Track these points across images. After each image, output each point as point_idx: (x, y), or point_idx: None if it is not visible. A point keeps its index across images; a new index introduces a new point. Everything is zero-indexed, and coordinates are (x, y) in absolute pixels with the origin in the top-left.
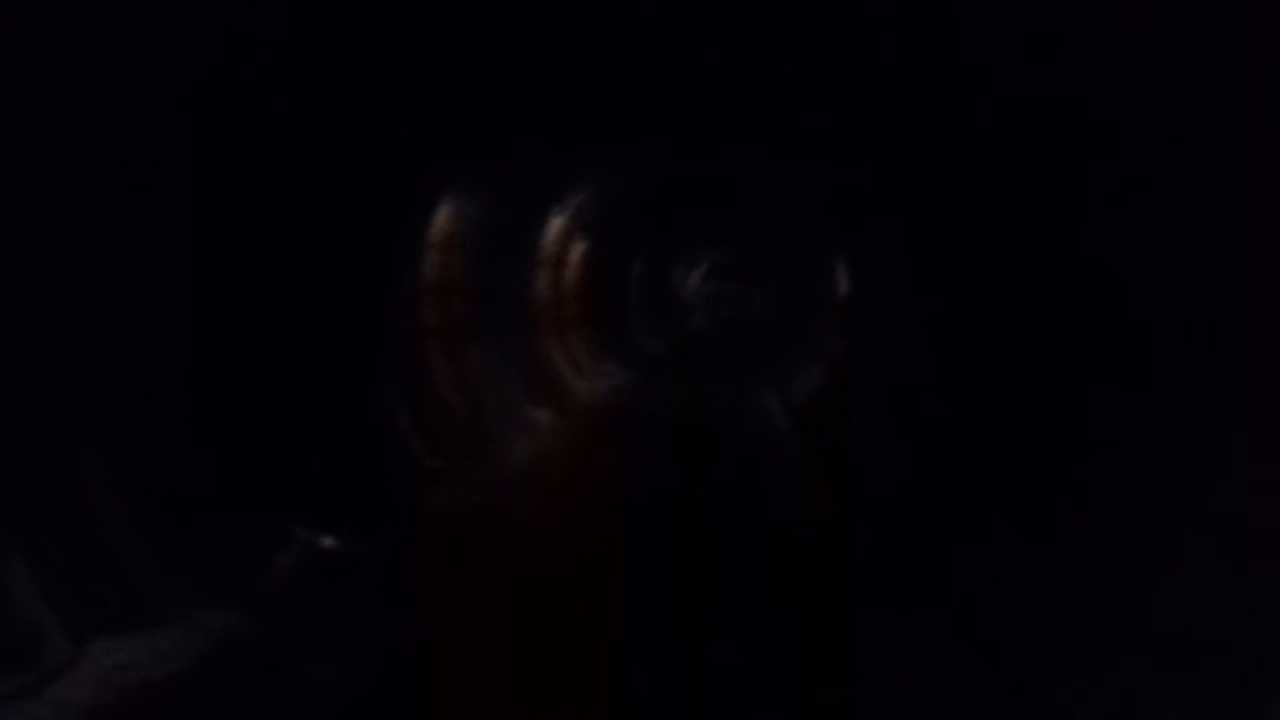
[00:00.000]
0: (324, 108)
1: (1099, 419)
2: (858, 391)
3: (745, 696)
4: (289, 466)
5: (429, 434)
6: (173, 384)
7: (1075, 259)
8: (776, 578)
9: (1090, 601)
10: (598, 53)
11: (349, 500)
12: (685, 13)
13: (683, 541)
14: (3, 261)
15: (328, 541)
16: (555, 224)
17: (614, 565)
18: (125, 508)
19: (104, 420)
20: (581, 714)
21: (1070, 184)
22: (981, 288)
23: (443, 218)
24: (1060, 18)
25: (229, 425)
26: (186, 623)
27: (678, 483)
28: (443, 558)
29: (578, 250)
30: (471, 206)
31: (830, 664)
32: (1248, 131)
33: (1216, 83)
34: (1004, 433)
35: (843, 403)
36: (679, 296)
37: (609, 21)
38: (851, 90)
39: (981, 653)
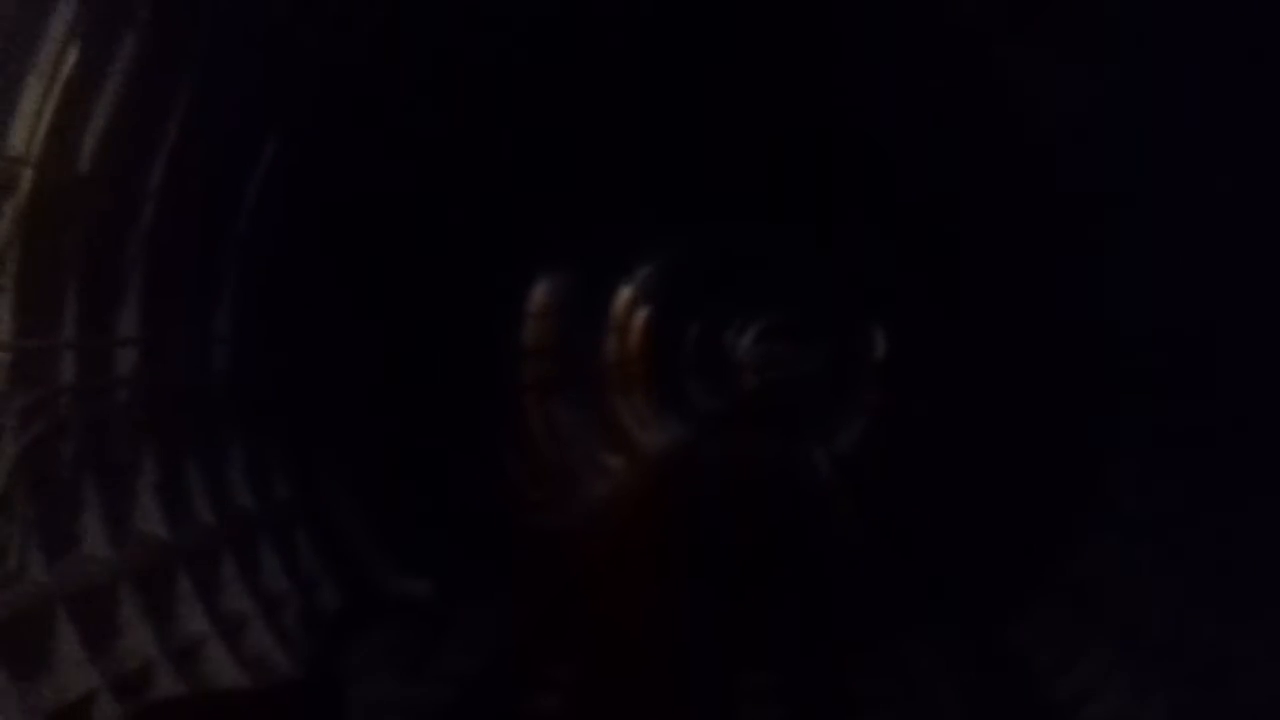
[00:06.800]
0: (452, 208)
1: (1096, 452)
2: (893, 442)
3: (786, 713)
4: (416, 501)
5: (529, 472)
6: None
7: (1093, 321)
8: (818, 608)
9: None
10: (664, 151)
11: (468, 525)
12: (743, 111)
13: (735, 577)
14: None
15: (420, 587)
16: (623, 294)
17: (675, 598)
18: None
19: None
20: None
21: (1092, 249)
22: (1003, 347)
23: (539, 292)
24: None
25: (373, 474)
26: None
27: (732, 525)
28: (538, 576)
29: (641, 316)
30: (559, 281)
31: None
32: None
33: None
34: (1015, 469)
35: (880, 453)
36: (732, 358)
37: (675, 130)
38: (888, 171)
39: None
